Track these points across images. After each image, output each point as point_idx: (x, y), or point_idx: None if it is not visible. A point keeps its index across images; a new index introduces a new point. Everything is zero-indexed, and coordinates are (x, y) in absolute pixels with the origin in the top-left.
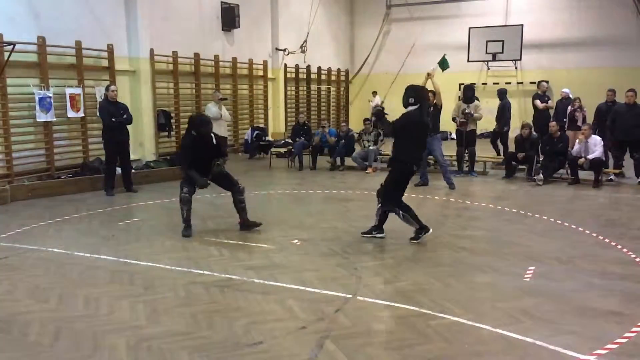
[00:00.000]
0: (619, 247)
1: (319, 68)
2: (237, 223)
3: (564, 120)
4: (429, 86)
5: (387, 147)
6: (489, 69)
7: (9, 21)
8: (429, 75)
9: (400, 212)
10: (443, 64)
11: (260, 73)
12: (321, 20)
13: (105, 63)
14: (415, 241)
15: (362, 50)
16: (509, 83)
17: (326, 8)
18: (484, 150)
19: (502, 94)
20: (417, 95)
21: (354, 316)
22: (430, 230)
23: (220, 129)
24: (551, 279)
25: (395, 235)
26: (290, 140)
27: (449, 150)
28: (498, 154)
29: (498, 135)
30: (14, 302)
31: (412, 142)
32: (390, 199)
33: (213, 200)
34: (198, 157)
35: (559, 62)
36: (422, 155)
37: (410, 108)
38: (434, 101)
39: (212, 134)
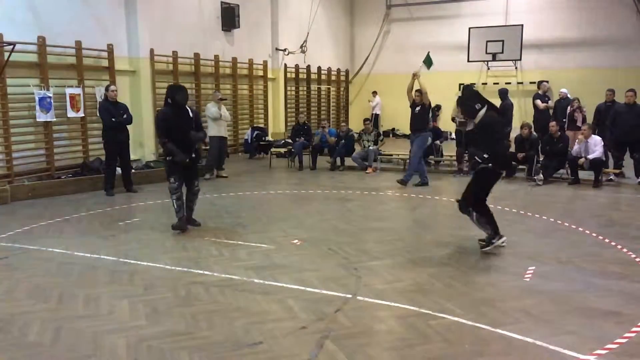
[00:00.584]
0: (619, 247)
1: (319, 68)
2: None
3: (563, 120)
4: (416, 86)
5: (387, 148)
6: (489, 69)
7: (9, 21)
8: (414, 76)
9: (475, 214)
10: (428, 63)
11: (260, 73)
12: (321, 20)
13: (105, 63)
14: (485, 250)
15: (362, 50)
16: (509, 83)
17: (326, 8)
18: None
19: (503, 94)
20: (480, 99)
21: (354, 316)
22: (505, 238)
23: (220, 129)
24: (551, 279)
25: (395, 235)
26: (290, 140)
27: (449, 150)
28: None
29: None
30: (14, 302)
31: (496, 142)
32: (472, 199)
33: (213, 200)
34: (176, 130)
35: (559, 62)
36: (509, 156)
37: (480, 113)
38: (422, 100)
39: (187, 107)
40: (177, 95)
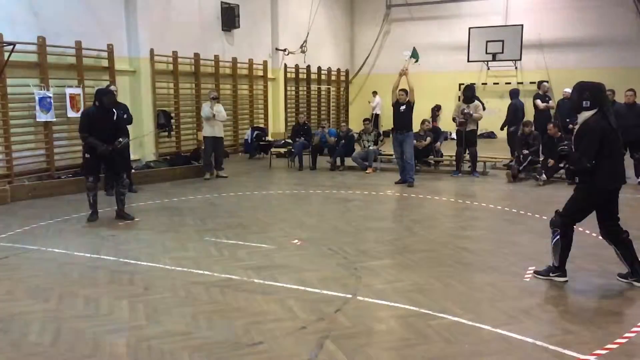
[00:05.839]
0: None
1: (319, 68)
2: (114, 215)
3: (567, 120)
4: (403, 84)
5: (387, 147)
6: (489, 69)
7: (9, 21)
8: (402, 73)
9: (559, 235)
10: (415, 56)
11: (260, 73)
12: (321, 20)
13: (105, 63)
14: (538, 276)
15: (362, 50)
16: (509, 83)
17: (326, 8)
18: (484, 150)
19: (514, 94)
20: (593, 96)
21: (354, 316)
22: (567, 280)
23: (213, 130)
24: (551, 279)
25: (395, 235)
26: (290, 140)
27: (449, 150)
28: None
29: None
30: (14, 302)
31: (603, 156)
32: (565, 216)
33: (213, 200)
34: (99, 128)
35: (559, 62)
36: (622, 171)
37: (586, 113)
38: (407, 99)
39: (114, 110)
40: (103, 97)
